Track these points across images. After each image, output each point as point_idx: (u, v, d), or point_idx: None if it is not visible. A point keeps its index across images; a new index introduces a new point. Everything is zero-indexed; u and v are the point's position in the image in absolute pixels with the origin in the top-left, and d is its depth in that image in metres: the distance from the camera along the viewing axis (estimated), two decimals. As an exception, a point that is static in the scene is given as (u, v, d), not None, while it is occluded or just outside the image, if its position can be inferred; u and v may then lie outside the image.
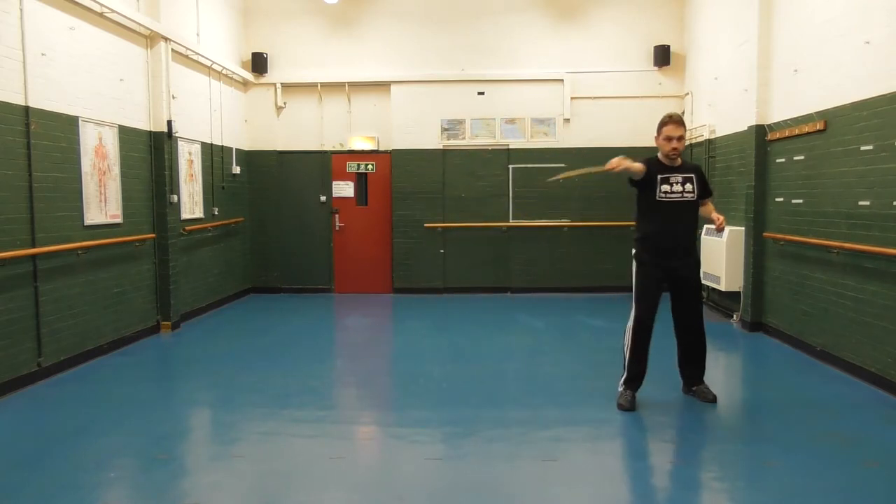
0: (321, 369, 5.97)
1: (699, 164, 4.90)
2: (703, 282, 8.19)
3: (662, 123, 4.63)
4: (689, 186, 4.59)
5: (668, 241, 4.62)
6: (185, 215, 7.71)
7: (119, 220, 6.45)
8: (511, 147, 9.71)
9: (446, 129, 9.76)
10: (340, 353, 7.00)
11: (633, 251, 4.72)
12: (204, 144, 8.35)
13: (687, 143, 9.29)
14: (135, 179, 6.75)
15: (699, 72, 8.95)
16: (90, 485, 3.53)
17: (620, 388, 4.76)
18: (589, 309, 8.58)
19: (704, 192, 4.72)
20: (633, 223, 9.99)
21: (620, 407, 4.62)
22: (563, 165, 9.61)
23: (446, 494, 3.49)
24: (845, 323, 5.52)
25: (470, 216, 9.61)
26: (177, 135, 7.35)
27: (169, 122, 7.14)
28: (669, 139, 4.57)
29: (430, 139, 9.73)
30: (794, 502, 3.28)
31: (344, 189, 9.97)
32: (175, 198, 7.33)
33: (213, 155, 8.64)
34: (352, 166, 9.92)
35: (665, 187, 4.57)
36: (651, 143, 10.05)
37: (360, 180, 9.98)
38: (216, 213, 8.66)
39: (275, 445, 4.13)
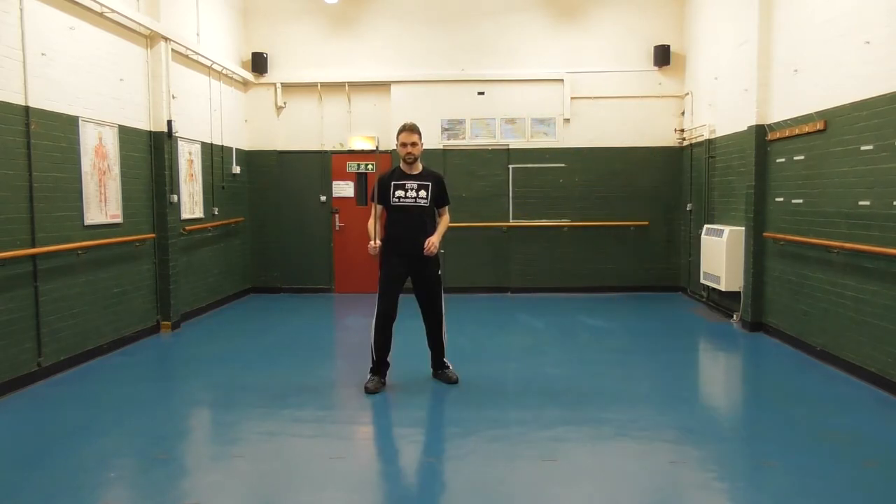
0: (321, 369, 5.98)
1: (440, 175, 5.37)
2: (704, 282, 8.25)
3: (398, 131, 5.15)
4: (423, 193, 5.11)
5: (404, 241, 5.06)
6: (185, 215, 7.71)
7: (119, 220, 6.45)
8: (511, 147, 9.71)
9: (446, 129, 9.77)
10: (340, 353, 7.00)
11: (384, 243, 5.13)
12: (204, 144, 8.35)
13: (687, 143, 9.33)
14: (135, 179, 6.75)
15: (699, 72, 8.95)
16: (90, 485, 3.53)
17: (368, 375, 5.13)
18: (589, 309, 8.58)
19: (439, 200, 5.21)
20: (632, 223, 10.02)
21: (367, 391, 5.03)
22: (563, 165, 9.64)
23: (446, 494, 3.49)
24: (845, 323, 5.52)
25: (470, 216, 9.60)
26: (177, 135, 7.35)
27: (169, 122, 7.14)
28: (404, 145, 5.08)
29: (431, 139, 9.70)
30: (794, 502, 3.28)
31: (344, 189, 9.98)
32: (175, 198, 7.33)
33: (213, 155, 8.64)
34: (352, 166, 9.92)
35: (399, 192, 5.09)
36: (649, 142, 10.13)
37: (360, 180, 9.97)
38: (216, 213, 8.66)
39: (275, 445, 4.13)
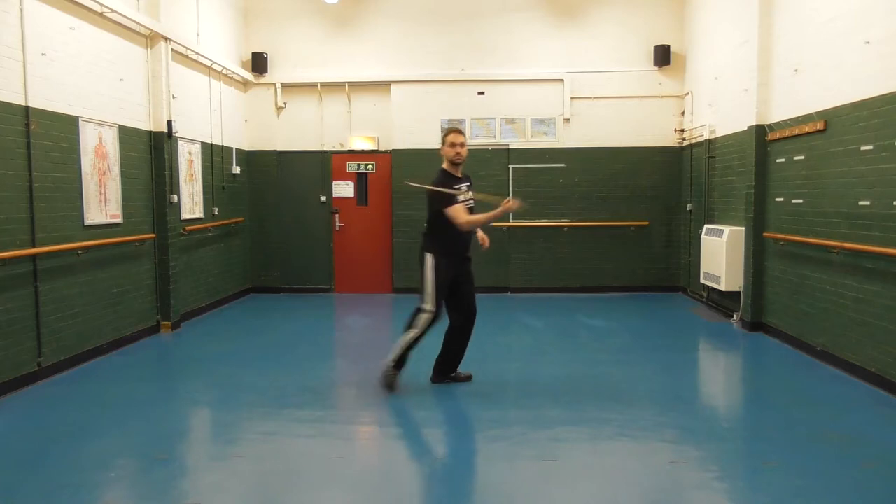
0: (321, 369, 5.98)
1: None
2: (704, 282, 8.26)
3: (445, 133, 5.12)
4: (470, 194, 5.11)
5: (464, 244, 5.12)
6: (185, 215, 7.71)
7: (119, 220, 6.45)
8: (511, 147, 9.70)
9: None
10: (340, 352, 7.01)
11: (432, 255, 4.99)
12: (204, 144, 8.35)
13: (687, 143, 9.33)
14: (135, 179, 6.75)
15: (699, 72, 8.95)
16: (90, 485, 3.53)
17: (391, 369, 5.09)
18: (589, 309, 8.58)
19: None
20: (632, 223, 9.99)
21: (388, 384, 5.06)
22: (563, 165, 9.64)
23: (446, 494, 3.49)
24: (845, 323, 5.52)
25: (470, 216, 9.57)
26: (177, 135, 7.35)
27: (169, 122, 7.14)
28: (453, 146, 5.03)
29: (431, 139, 9.71)
30: (794, 502, 3.28)
31: (344, 189, 9.97)
32: (175, 198, 7.33)
33: (213, 155, 8.64)
34: (352, 166, 9.92)
35: (461, 197, 5.00)
36: (649, 142, 10.11)
37: (360, 180, 9.98)
38: (216, 213, 8.66)
39: (275, 445, 4.13)
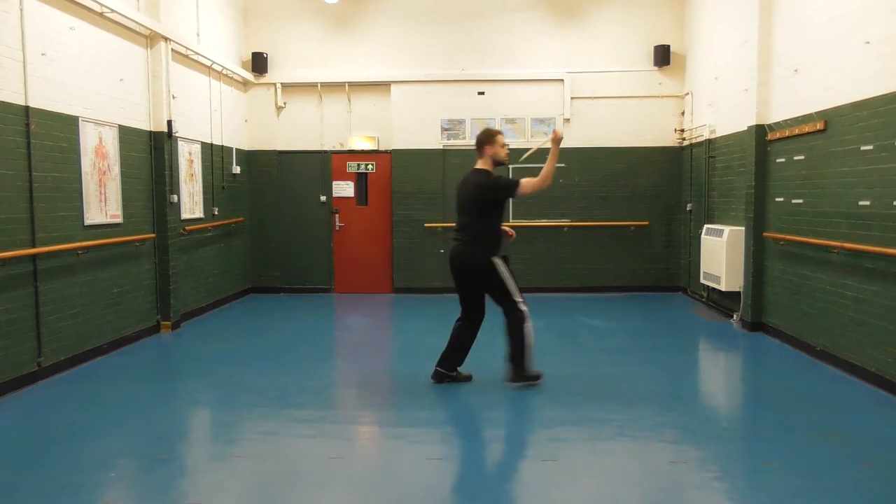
0: (321, 369, 5.98)
1: None
2: (704, 282, 8.26)
3: (494, 134, 5.33)
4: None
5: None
6: (185, 215, 7.71)
7: (119, 220, 6.45)
8: (511, 147, 9.65)
9: (446, 129, 9.76)
10: (340, 352, 7.01)
11: (497, 257, 5.14)
12: (204, 144, 8.35)
13: (687, 143, 9.33)
14: (135, 179, 6.75)
15: (699, 72, 8.95)
16: (90, 485, 3.53)
17: (533, 368, 5.15)
18: (589, 309, 8.58)
19: None
20: (632, 223, 9.98)
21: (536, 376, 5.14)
22: (563, 165, 9.63)
23: (446, 494, 3.49)
24: (845, 323, 5.52)
25: (470, 216, 9.57)
26: (177, 135, 7.35)
27: (169, 122, 7.14)
28: (504, 146, 5.30)
29: (431, 139, 9.72)
30: (794, 502, 3.28)
31: (344, 189, 9.98)
32: (175, 198, 7.33)
33: (213, 155, 8.64)
34: (352, 166, 9.92)
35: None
36: (649, 142, 10.09)
37: (360, 180, 9.98)
38: (216, 213, 8.66)
39: (275, 445, 4.13)
